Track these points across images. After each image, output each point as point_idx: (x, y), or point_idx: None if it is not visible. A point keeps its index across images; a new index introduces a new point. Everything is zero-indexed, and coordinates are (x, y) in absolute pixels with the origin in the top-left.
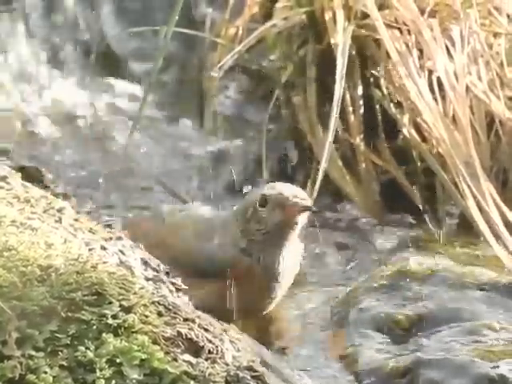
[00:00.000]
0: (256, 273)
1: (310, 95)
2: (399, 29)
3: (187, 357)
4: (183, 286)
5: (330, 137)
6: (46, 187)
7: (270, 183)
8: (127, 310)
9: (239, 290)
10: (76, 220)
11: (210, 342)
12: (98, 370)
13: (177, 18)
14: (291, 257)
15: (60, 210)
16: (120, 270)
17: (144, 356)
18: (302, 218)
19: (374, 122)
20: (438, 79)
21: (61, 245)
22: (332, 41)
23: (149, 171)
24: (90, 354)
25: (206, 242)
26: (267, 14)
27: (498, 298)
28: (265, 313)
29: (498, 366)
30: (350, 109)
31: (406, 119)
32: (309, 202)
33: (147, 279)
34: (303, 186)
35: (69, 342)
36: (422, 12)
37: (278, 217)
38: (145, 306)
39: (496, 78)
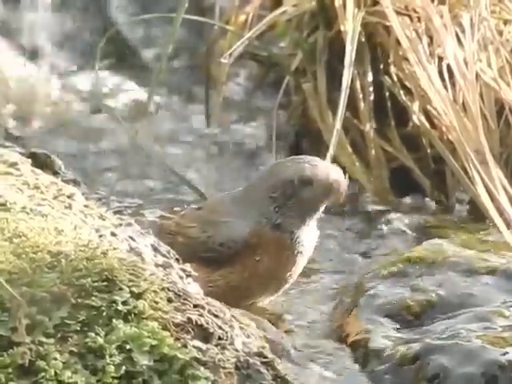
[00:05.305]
0: (286, 245)
1: (320, 82)
2: (409, 16)
3: (197, 343)
4: (193, 273)
5: (339, 123)
6: (55, 173)
7: (295, 158)
8: (137, 296)
9: (265, 264)
10: (86, 206)
11: (220, 328)
12: (107, 356)
13: (186, 4)
14: (312, 232)
15: (70, 197)
16: (130, 257)
17: (154, 342)
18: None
19: (384, 109)
20: (448, 66)
21: (71, 231)
22: (342, 28)
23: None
24: (100, 340)
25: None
26: (277, 1)
27: (509, 284)
28: (281, 290)
29: (507, 353)
30: (360, 95)
31: (415, 106)
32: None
33: (157, 265)
34: None
35: (79, 329)
36: None
37: (324, 196)
38: (155, 292)
39: (506, 65)
